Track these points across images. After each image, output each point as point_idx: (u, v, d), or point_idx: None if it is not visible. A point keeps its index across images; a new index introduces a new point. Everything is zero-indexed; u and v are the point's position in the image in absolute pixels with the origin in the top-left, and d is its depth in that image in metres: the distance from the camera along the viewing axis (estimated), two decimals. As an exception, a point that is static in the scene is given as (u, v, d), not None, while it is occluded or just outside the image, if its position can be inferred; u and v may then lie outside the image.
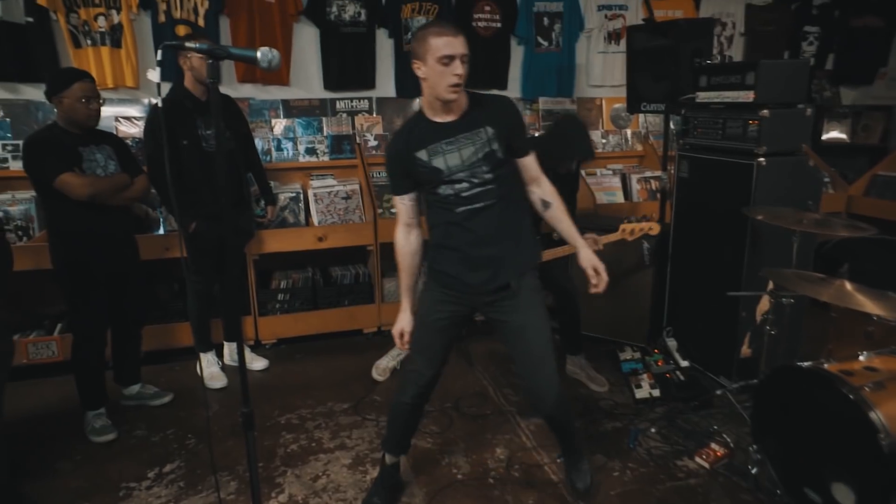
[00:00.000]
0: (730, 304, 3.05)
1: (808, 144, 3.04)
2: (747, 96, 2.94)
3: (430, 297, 2.14)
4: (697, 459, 2.57)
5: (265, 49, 1.42)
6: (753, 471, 2.40)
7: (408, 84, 4.18)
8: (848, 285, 2.29)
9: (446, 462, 2.61)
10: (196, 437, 2.81)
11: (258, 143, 3.76)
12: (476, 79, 4.27)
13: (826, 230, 2.51)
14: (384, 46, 4.16)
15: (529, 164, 2.06)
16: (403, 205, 2.06)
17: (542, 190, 2.10)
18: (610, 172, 4.38)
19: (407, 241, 2.11)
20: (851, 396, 1.93)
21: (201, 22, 3.67)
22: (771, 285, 2.66)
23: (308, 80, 4.09)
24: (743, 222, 2.96)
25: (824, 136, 5.02)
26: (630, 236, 3.01)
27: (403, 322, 2.17)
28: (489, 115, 1.94)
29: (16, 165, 3.45)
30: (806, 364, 2.22)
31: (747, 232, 2.97)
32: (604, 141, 4.53)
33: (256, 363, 3.51)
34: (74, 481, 2.50)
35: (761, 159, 2.90)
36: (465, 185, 1.94)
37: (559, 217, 2.11)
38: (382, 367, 3.42)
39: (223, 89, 3.52)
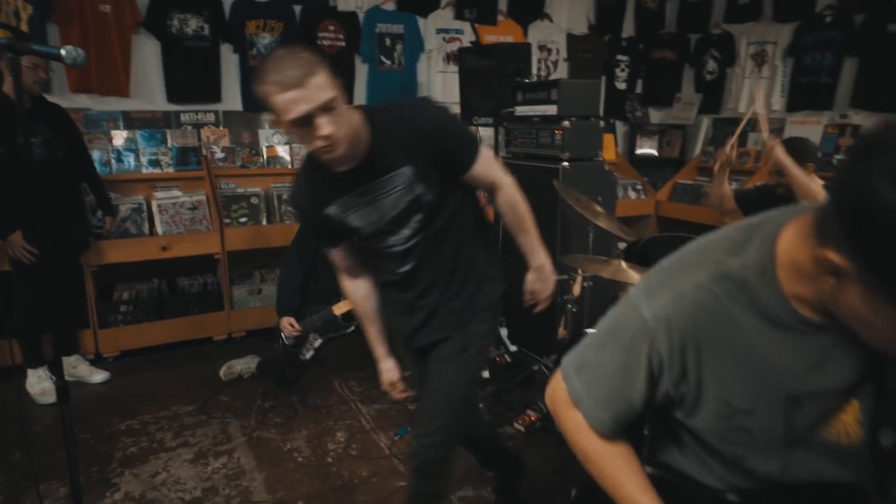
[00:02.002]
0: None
1: (600, 151, 3.56)
2: (552, 110, 3.41)
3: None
4: (515, 425, 2.91)
5: (70, 47, 1.52)
6: (558, 429, 2.78)
7: (254, 98, 4.30)
8: (623, 264, 2.75)
9: (288, 448, 2.74)
10: (20, 451, 2.71)
11: (96, 155, 3.70)
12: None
13: (607, 224, 2.99)
14: (229, 60, 4.26)
15: (481, 173, 1.57)
16: (336, 256, 1.71)
17: (501, 197, 1.64)
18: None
19: (354, 287, 1.76)
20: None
21: (24, 27, 3.56)
22: (580, 272, 3.09)
23: (150, 92, 4.08)
24: (554, 219, 3.40)
25: (637, 151, 5.77)
26: None
27: (387, 372, 1.83)
28: (403, 149, 1.46)
29: None
30: (591, 331, 2.64)
31: (556, 226, 3.41)
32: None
33: (96, 376, 3.42)
34: None
35: (565, 163, 3.36)
36: (395, 238, 1.58)
37: (515, 227, 1.71)
38: (235, 369, 3.47)
39: (54, 98, 3.45)
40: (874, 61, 4.24)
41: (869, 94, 4.31)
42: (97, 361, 3.62)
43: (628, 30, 5.68)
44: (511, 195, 1.64)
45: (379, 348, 1.82)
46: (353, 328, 3.23)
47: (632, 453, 0.94)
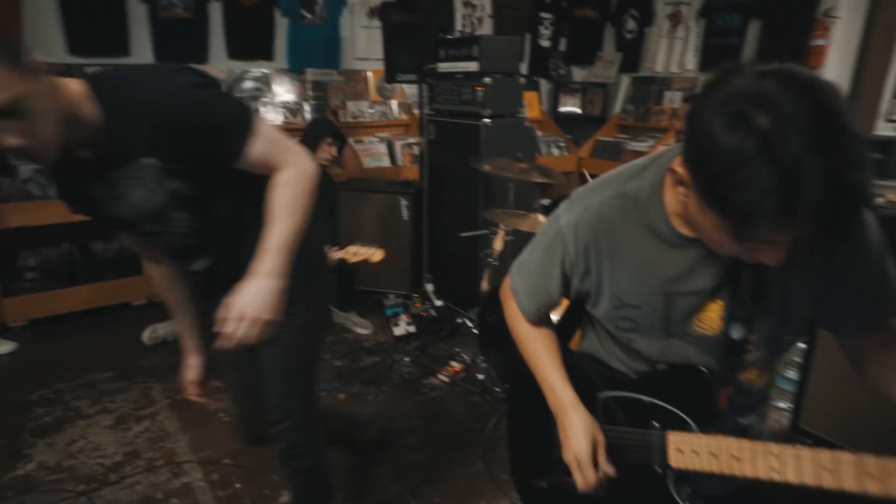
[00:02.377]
0: (473, 247, 3.55)
1: (521, 108, 3.62)
2: (474, 66, 3.42)
3: None
4: (440, 376, 3.01)
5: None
6: (481, 377, 2.89)
7: (168, 50, 4.09)
8: (541, 217, 2.84)
9: (214, 409, 2.72)
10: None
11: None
12: (242, 50, 4.32)
13: (528, 177, 3.07)
14: (137, 10, 4.00)
15: (257, 158, 1.25)
16: (127, 241, 1.52)
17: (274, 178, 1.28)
18: (377, 140, 4.71)
19: (156, 273, 1.55)
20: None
21: None
22: (501, 227, 3.16)
23: (47, 43, 3.80)
24: (476, 175, 3.45)
25: (561, 109, 5.88)
26: (353, 258, 2.99)
27: (189, 369, 1.61)
28: (142, 138, 1.17)
29: None
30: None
31: (479, 183, 3.47)
32: (371, 111, 4.85)
33: (1, 347, 3.26)
34: None
35: (486, 120, 3.40)
36: (169, 236, 1.35)
37: (269, 214, 1.27)
38: (159, 332, 3.38)
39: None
40: (774, 23, 4.48)
41: (770, 53, 4.54)
42: (2, 332, 3.44)
43: (552, -13, 5.71)
44: (287, 178, 1.26)
45: (188, 341, 1.61)
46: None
47: (552, 338, 1.14)
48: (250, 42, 4.37)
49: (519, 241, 3.35)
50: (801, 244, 0.79)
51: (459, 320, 3.44)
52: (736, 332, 0.93)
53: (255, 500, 2.17)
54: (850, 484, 0.79)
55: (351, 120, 4.70)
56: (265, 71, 4.43)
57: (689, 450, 0.96)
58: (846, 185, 0.65)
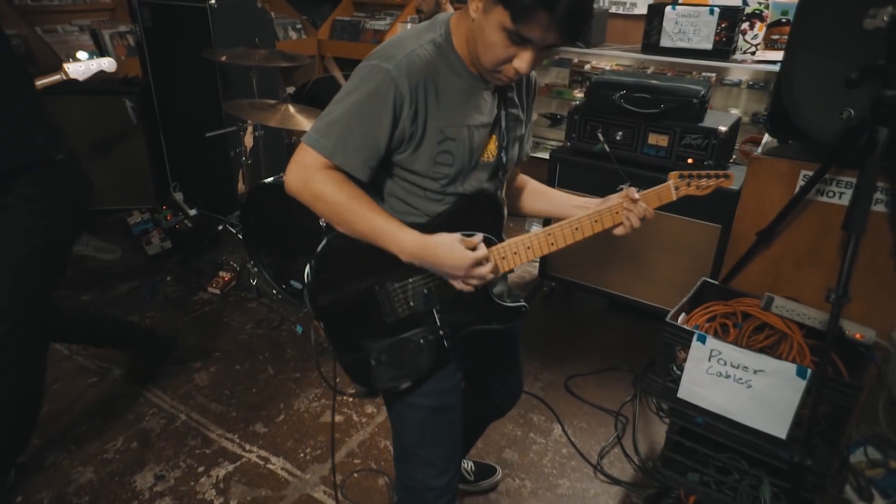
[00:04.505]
0: (221, 147, 3.27)
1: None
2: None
3: None
4: (210, 290, 2.84)
5: None
6: (254, 282, 2.81)
7: None
8: (291, 108, 2.70)
9: None
10: None
11: None
12: None
13: (270, 62, 2.86)
14: None
15: None
16: None
17: None
18: (76, 29, 3.91)
19: None
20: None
21: None
22: (249, 123, 2.93)
23: None
24: (211, 66, 3.11)
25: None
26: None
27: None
28: None
29: None
30: (269, 179, 2.62)
31: (216, 74, 3.14)
32: (59, -7, 3.96)
33: None
34: None
35: (212, 2, 3.02)
36: None
37: None
38: None
39: None
40: None
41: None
42: None
43: None
44: None
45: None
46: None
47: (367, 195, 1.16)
48: None
49: (270, 136, 3.17)
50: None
51: (220, 227, 3.23)
52: (504, 156, 1.20)
53: (14, 468, 1.91)
54: (588, 231, 1.22)
55: (32, 3, 3.79)
56: None
57: (499, 258, 1.18)
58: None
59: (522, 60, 1.02)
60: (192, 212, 3.38)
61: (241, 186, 3.39)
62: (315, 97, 4.40)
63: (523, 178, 1.43)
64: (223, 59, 2.83)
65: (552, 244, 1.21)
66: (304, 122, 2.61)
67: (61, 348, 2.43)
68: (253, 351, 2.47)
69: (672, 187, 1.26)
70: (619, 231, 1.23)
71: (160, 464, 1.94)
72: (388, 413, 1.35)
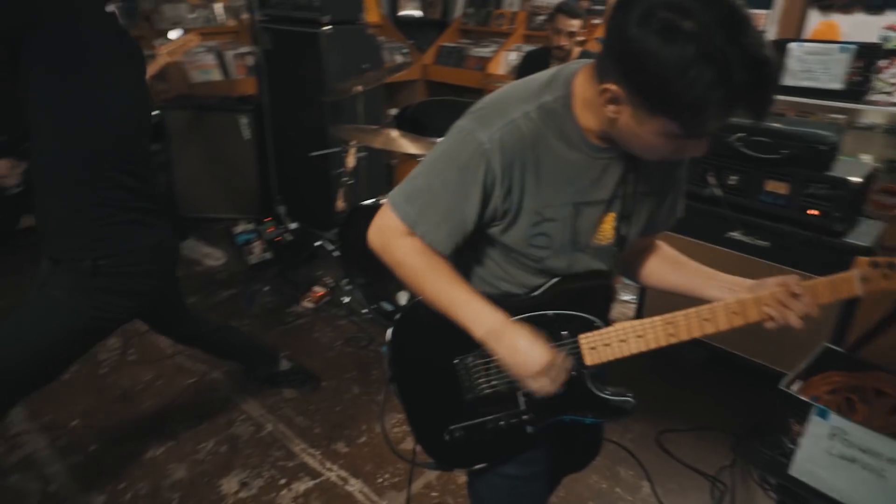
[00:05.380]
0: (324, 165, 3.39)
1: (362, 12, 3.40)
2: (308, -35, 3.11)
3: None
4: (304, 303, 2.93)
5: None
6: (346, 300, 2.86)
7: None
8: (393, 133, 2.76)
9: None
10: None
11: None
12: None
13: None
14: None
15: None
16: None
17: None
18: (203, 49, 4.20)
19: None
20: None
21: None
22: (354, 142, 3.02)
23: None
24: (321, 87, 3.24)
25: (400, 13, 5.62)
26: (171, 56, 2.55)
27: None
28: None
29: None
30: (368, 202, 2.67)
31: (325, 98, 3.26)
32: (192, 16, 4.28)
33: None
34: None
35: (326, 28, 3.15)
36: None
37: None
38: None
39: None
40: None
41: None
42: None
43: None
44: None
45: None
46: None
47: (453, 268, 1.06)
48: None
49: (371, 157, 3.25)
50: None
51: (317, 242, 3.33)
52: (623, 230, 1.05)
53: (117, 461, 2.02)
54: (723, 324, 1.03)
55: (167, 27, 4.12)
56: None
57: (601, 344, 1.05)
58: (761, 58, 0.77)
59: (698, 150, 0.90)
60: (293, 225, 3.52)
61: (340, 204, 3.49)
62: (416, 121, 4.49)
63: (655, 242, 1.24)
64: (338, 89, 2.93)
65: (671, 335, 1.02)
66: (406, 145, 2.65)
67: (165, 347, 2.58)
68: (340, 368, 2.51)
69: (858, 279, 0.99)
70: (769, 325, 1.04)
71: (246, 471, 2.00)
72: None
